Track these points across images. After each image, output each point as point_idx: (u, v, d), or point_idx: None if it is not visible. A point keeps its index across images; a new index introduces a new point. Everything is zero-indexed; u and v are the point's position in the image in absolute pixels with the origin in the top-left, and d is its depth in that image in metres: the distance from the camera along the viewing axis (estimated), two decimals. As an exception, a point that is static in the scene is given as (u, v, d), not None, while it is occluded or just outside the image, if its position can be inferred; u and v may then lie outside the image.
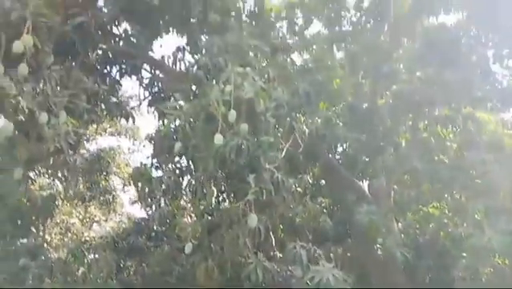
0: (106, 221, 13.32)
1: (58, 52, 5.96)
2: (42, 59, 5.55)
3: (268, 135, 5.54)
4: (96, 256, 8.75)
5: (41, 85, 5.70)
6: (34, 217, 9.66)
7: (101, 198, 10.75)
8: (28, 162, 5.93)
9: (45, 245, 10.44)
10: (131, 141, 13.15)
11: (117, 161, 12.04)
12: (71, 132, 5.67)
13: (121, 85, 8.40)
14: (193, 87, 6.57)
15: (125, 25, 7.73)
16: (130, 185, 12.74)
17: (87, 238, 10.56)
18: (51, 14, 5.41)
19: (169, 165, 7.21)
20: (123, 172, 12.65)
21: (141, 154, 13.19)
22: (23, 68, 5.26)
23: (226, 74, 5.40)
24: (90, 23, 6.08)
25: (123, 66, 8.20)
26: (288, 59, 7.92)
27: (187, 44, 8.20)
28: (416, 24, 8.34)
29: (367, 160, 7.84)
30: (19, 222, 9.15)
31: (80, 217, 13.16)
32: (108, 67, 8.08)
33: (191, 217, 7.95)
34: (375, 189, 8.10)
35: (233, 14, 7.46)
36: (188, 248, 5.84)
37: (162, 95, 8.02)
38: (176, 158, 6.88)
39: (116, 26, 7.55)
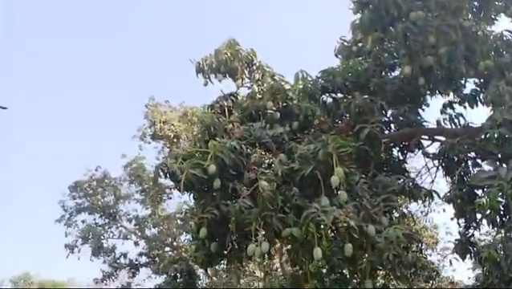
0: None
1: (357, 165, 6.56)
2: (351, 179, 6.18)
3: None
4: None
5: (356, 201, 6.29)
6: None
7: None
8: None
9: None
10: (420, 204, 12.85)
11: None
12: (401, 236, 5.89)
13: (406, 163, 8.54)
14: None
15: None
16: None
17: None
18: (345, 141, 6.06)
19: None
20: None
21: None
22: (343, 195, 5.98)
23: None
24: (374, 130, 6.53)
25: (401, 146, 8.35)
26: None
27: (456, 99, 7.85)
28: None
29: None
30: None
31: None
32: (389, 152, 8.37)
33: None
34: None
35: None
36: None
37: (455, 158, 7.61)
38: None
39: (385, 115, 7.89)
